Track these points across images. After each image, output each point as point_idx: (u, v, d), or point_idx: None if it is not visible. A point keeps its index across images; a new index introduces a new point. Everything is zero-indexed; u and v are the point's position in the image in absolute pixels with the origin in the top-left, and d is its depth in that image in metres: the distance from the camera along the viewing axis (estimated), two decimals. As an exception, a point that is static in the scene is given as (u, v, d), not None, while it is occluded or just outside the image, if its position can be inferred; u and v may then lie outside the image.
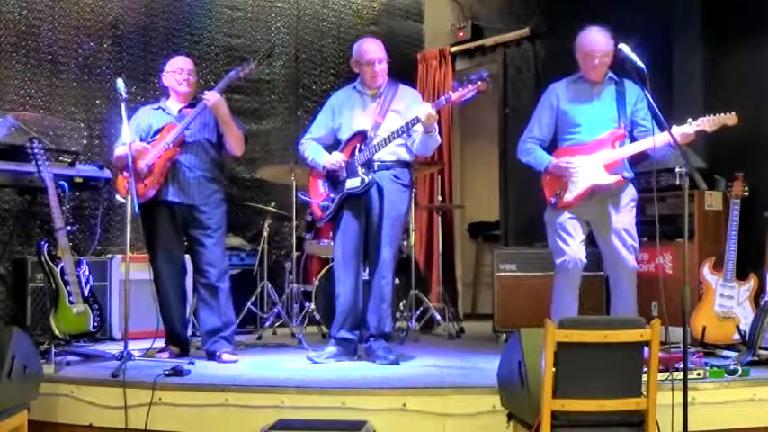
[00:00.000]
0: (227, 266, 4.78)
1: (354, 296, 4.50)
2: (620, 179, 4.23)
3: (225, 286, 4.64)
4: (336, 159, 4.47)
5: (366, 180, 4.37)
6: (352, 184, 4.42)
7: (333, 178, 4.53)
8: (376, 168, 4.42)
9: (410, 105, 4.46)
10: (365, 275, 4.62)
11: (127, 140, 4.31)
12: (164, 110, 4.74)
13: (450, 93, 4.24)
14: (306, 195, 4.75)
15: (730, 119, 4.03)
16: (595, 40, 4.23)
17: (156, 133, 4.63)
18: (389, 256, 4.43)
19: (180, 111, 4.69)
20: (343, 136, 4.55)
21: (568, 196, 4.24)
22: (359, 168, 4.40)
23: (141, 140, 4.59)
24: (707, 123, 4.04)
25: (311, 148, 4.63)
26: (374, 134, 4.43)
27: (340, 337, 4.52)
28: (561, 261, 4.25)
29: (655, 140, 3.99)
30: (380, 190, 4.42)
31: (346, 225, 4.50)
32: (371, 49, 4.52)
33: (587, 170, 4.20)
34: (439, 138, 4.47)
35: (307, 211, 5.73)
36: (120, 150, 4.56)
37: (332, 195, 4.52)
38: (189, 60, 4.83)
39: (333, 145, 4.62)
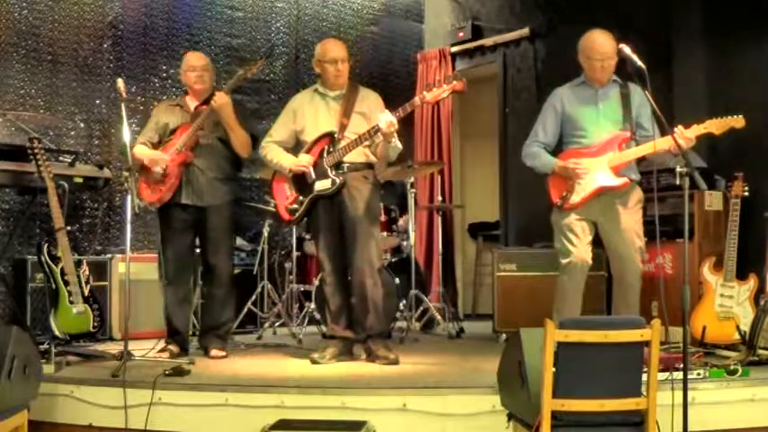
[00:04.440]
0: (232, 267, 4.81)
1: (342, 294, 4.51)
2: (627, 181, 4.21)
3: (228, 286, 4.73)
4: (305, 162, 4.43)
5: (338, 181, 4.35)
6: (322, 186, 4.39)
7: (299, 180, 4.48)
8: (345, 170, 4.39)
9: (373, 108, 4.45)
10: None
11: (127, 140, 4.29)
12: (181, 107, 4.80)
13: (425, 93, 4.20)
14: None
15: (738, 121, 4.01)
16: (599, 43, 4.18)
17: (171, 133, 4.70)
18: (373, 255, 4.41)
19: (196, 108, 4.74)
20: (309, 138, 4.50)
21: (575, 198, 4.22)
22: (329, 170, 4.38)
23: (159, 139, 4.72)
24: (714, 126, 4.02)
25: (274, 152, 4.58)
26: (341, 135, 4.41)
27: (335, 335, 4.53)
28: (567, 262, 4.23)
29: (657, 145, 3.98)
30: (352, 191, 4.39)
31: (322, 226, 4.48)
32: (334, 48, 4.52)
33: (594, 172, 4.19)
34: (399, 145, 4.42)
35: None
36: (137, 151, 4.65)
37: (300, 198, 4.48)
38: (202, 56, 4.90)
39: (295, 147, 4.59)
